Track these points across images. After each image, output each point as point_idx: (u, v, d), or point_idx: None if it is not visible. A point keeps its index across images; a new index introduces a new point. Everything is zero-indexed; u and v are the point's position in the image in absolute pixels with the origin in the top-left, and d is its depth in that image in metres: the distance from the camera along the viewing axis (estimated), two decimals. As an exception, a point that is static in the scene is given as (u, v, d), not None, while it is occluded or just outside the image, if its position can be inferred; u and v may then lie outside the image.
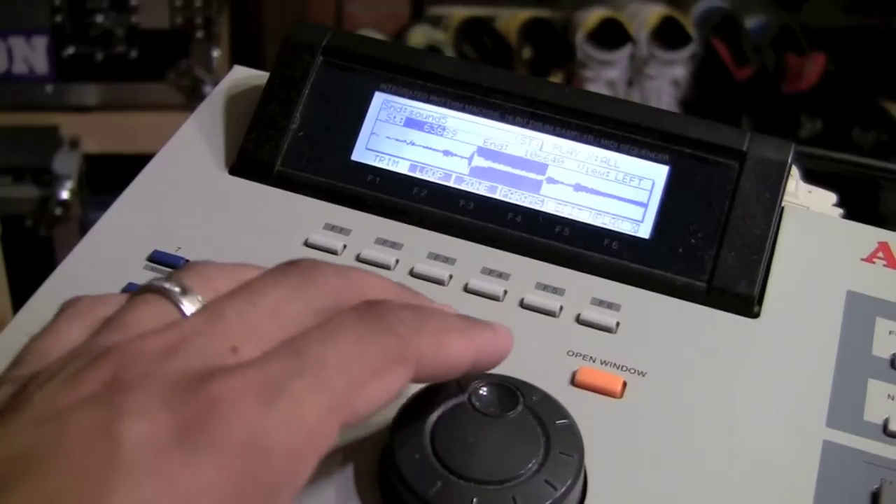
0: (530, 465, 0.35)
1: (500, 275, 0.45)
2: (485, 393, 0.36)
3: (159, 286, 0.32)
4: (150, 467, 0.26)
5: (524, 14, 1.97)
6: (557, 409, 0.37)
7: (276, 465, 0.28)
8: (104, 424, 0.27)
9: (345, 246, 0.46)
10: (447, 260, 0.46)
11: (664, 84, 1.94)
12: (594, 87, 1.86)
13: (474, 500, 0.34)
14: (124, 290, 0.44)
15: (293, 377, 0.29)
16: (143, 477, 0.26)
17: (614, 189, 0.47)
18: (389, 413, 0.36)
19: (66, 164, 1.55)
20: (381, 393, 0.31)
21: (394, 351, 0.31)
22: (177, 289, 0.32)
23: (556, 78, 1.88)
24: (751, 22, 2.00)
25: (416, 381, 0.32)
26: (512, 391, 0.36)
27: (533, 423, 0.36)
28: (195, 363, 0.29)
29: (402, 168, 0.49)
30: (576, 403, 0.38)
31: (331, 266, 0.33)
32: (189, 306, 0.32)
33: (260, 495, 0.28)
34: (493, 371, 0.37)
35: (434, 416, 0.36)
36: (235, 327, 0.30)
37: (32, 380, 0.30)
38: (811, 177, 0.53)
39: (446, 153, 0.49)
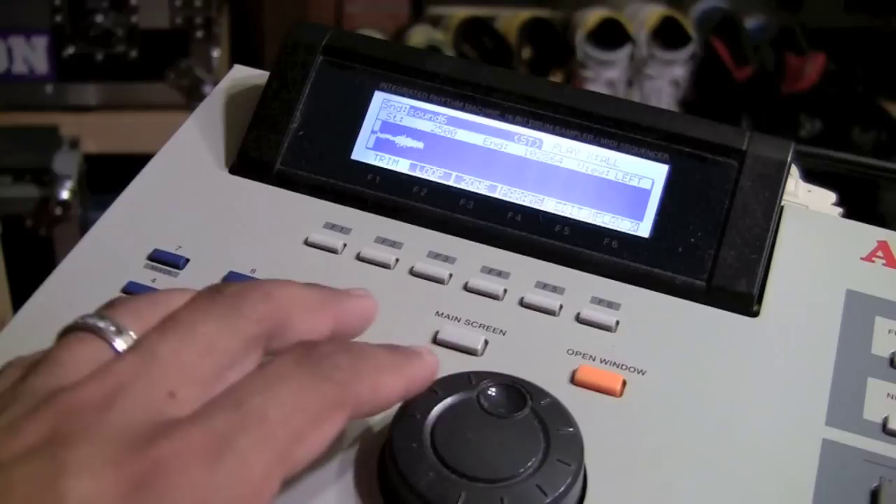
0: (525, 469, 0.35)
1: (500, 274, 0.46)
2: (493, 393, 0.36)
3: (92, 325, 0.32)
4: None
5: (524, 14, 1.97)
6: (564, 417, 0.37)
7: None
8: (50, 479, 0.27)
9: (345, 245, 0.46)
10: (447, 259, 0.46)
11: (664, 84, 1.94)
12: (594, 87, 1.86)
13: (462, 494, 0.34)
14: (124, 290, 0.44)
15: (237, 434, 0.29)
16: None
17: (614, 188, 0.47)
18: (392, 410, 0.36)
19: (66, 164, 1.55)
20: (322, 440, 0.32)
21: (333, 398, 0.32)
22: (110, 327, 0.32)
23: (556, 78, 1.88)
24: (751, 22, 2.00)
25: (352, 419, 0.33)
26: (521, 394, 0.36)
27: (536, 428, 0.36)
28: (136, 415, 0.29)
29: (402, 167, 0.49)
30: (575, 402, 0.38)
31: (254, 288, 0.34)
32: (122, 344, 0.32)
33: None
34: (504, 372, 0.37)
35: (438, 410, 0.36)
36: (171, 370, 0.31)
37: None
38: (811, 176, 0.53)
39: (446, 152, 0.49)
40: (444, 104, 0.49)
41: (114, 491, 0.27)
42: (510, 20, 1.97)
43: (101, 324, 0.32)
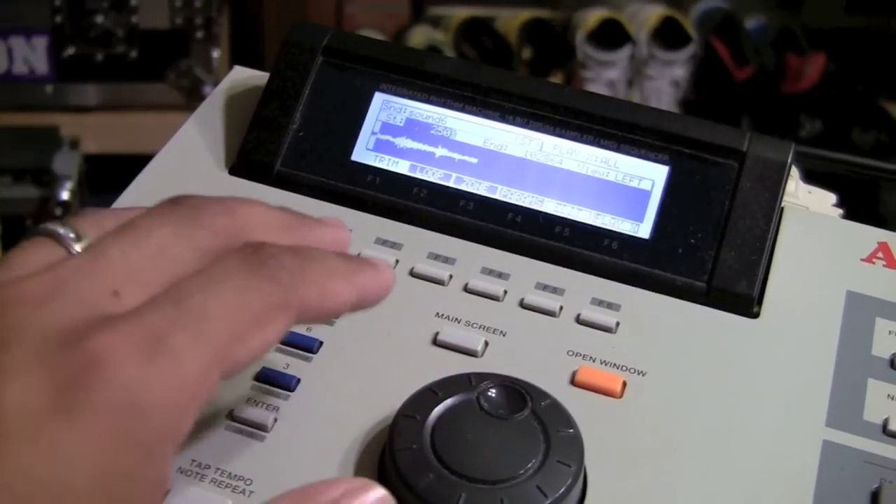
0: (525, 470, 0.35)
1: (500, 275, 0.46)
2: (493, 394, 0.36)
3: (52, 230, 0.32)
4: (29, 433, 0.26)
5: (524, 14, 1.97)
6: (564, 418, 0.37)
7: (155, 424, 0.28)
8: None
9: (345, 246, 0.46)
10: (447, 260, 0.46)
11: (664, 84, 1.94)
12: (594, 88, 1.86)
13: (462, 495, 0.34)
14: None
15: (174, 330, 0.28)
16: (21, 444, 0.26)
17: (614, 189, 0.47)
18: (395, 406, 0.36)
19: (66, 164, 1.55)
20: (263, 342, 0.30)
21: (277, 300, 0.31)
22: (69, 233, 0.32)
23: (557, 78, 1.88)
24: (751, 22, 2.00)
25: (298, 323, 0.32)
26: (521, 395, 0.36)
27: (536, 429, 0.36)
28: (74, 311, 0.28)
29: (402, 168, 0.49)
30: (575, 403, 0.38)
31: (217, 202, 0.33)
32: (77, 248, 0.31)
33: (141, 453, 0.28)
34: (504, 373, 0.37)
35: (439, 411, 0.36)
36: (117, 269, 0.30)
37: None
38: (811, 177, 0.53)
39: (446, 153, 0.49)
40: (445, 105, 0.49)
41: (47, 391, 0.27)
42: (510, 20, 1.97)
43: (62, 230, 0.32)
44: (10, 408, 0.26)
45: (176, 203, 0.33)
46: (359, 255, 0.46)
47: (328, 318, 0.34)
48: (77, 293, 0.29)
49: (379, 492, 0.32)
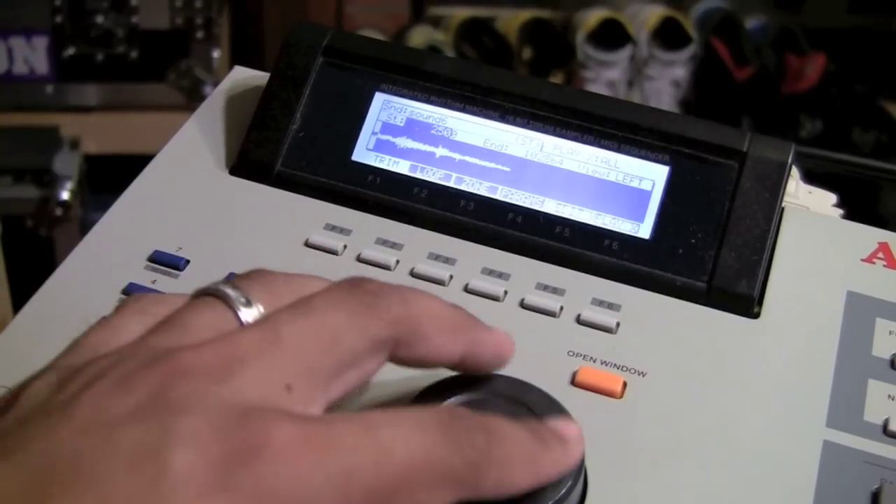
0: None
1: (501, 275, 0.46)
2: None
3: (223, 292, 0.32)
4: (188, 502, 0.26)
5: (524, 14, 1.97)
6: (554, 406, 0.37)
7: None
8: (153, 448, 0.26)
9: (345, 246, 0.46)
10: (447, 260, 0.46)
11: (664, 84, 1.94)
12: (594, 88, 1.86)
13: None
14: (125, 291, 0.44)
15: (361, 460, 0.28)
16: None
17: (615, 189, 0.47)
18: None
19: (67, 164, 1.55)
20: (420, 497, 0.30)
21: (460, 475, 0.30)
22: (240, 297, 0.32)
23: (557, 78, 1.88)
24: (751, 22, 2.00)
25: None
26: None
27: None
28: (250, 395, 0.28)
29: (402, 168, 0.49)
30: (576, 403, 0.38)
31: (395, 291, 0.33)
32: (248, 316, 0.31)
33: None
34: (504, 373, 0.37)
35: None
36: (292, 359, 0.30)
37: (82, 370, 0.29)
38: (811, 177, 0.53)
39: (447, 154, 0.49)
40: (445, 105, 0.49)
41: (214, 465, 0.26)
42: (510, 20, 1.97)
43: (232, 293, 0.32)
44: (178, 473, 0.26)
45: (354, 286, 0.32)
46: (358, 255, 0.46)
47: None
48: (252, 377, 0.29)
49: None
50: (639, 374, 0.42)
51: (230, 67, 0.55)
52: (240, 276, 0.34)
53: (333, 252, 0.46)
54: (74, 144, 1.61)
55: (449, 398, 0.36)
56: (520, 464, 0.32)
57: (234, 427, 0.27)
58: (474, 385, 0.37)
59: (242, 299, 0.32)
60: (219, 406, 0.28)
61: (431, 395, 0.36)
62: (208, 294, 0.32)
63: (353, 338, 0.31)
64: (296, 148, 0.50)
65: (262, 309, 0.32)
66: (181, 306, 0.32)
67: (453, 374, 0.37)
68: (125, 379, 0.28)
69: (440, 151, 0.49)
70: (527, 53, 1.94)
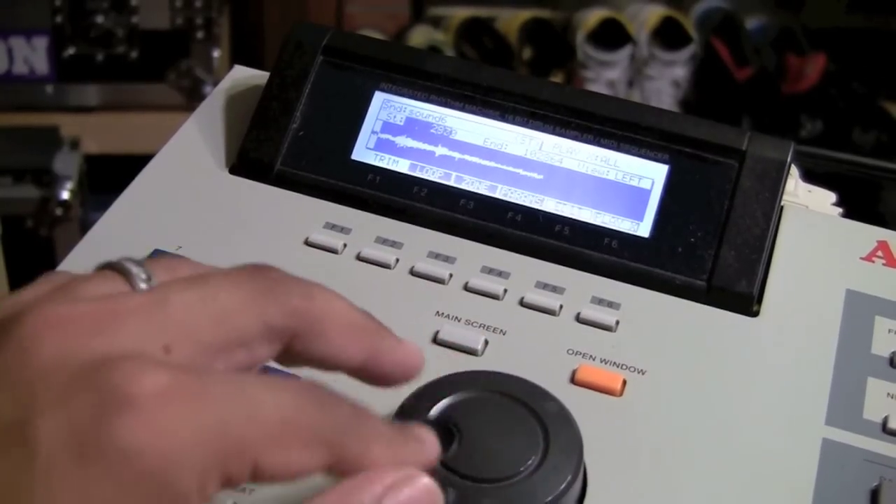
0: (525, 468, 0.35)
1: (500, 273, 0.46)
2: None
3: (124, 266, 0.31)
4: (63, 475, 0.25)
5: (524, 14, 1.97)
6: (564, 416, 0.36)
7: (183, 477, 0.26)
8: (20, 420, 0.26)
9: (345, 245, 0.46)
10: (447, 259, 0.46)
11: (664, 84, 1.94)
12: (594, 88, 1.86)
13: (461, 494, 0.34)
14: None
15: (225, 404, 0.27)
16: (58, 490, 0.25)
17: (614, 188, 0.47)
18: (394, 404, 0.36)
19: (67, 164, 1.55)
20: (285, 467, 0.29)
21: (327, 440, 0.29)
22: (141, 273, 0.30)
23: (557, 78, 1.88)
24: (751, 22, 2.00)
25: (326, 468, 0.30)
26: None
27: (535, 427, 0.36)
28: (122, 347, 0.27)
29: (402, 167, 0.49)
30: (575, 402, 0.38)
31: (300, 283, 0.31)
32: (144, 288, 0.30)
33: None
34: (504, 371, 0.37)
35: (438, 409, 0.36)
36: (175, 322, 0.29)
37: None
38: (811, 176, 0.53)
39: (446, 153, 0.49)
40: (445, 104, 0.49)
41: (81, 426, 0.25)
42: (510, 20, 1.97)
43: (134, 269, 0.31)
44: (44, 447, 0.25)
45: (257, 270, 0.31)
46: (358, 253, 0.46)
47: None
48: (128, 333, 0.28)
49: (423, 481, 0.31)
50: (638, 373, 0.42)
51: (230, 67, 0.55)
52: (147, 258, 0.32)
53: (333, 251, 0.46)
54: (74, 144, 1.61)
55: (440, 399, 0.36)
56: (379, 444, 0.31)
57: (101, 377, 0.26)
58: (466, 383, 0.37)
59: (143, 276, 0.30)
60: (87, 358, 0.26)
61: (422, 395, 0.36)
62: (109, 267, 0.31)
63: (245, 317, 0.30)
64: (296, 147, 0.50)
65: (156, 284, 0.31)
66: (80, 275, 0.31)
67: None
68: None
69: (440, 150, 0.49)
70: (527, 53, 1.94)
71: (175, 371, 0.27)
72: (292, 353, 0.32)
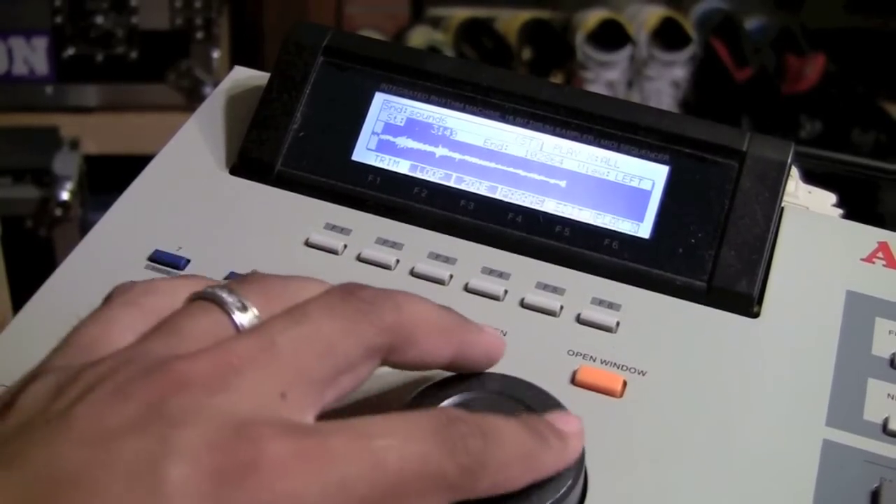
0: None
1: (501, 274, 0.46)
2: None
3: (219, 296, 0.32)
4: None
5: (524, 15, 1.97)
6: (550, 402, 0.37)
7: None
8: (150, 461, 0.27)
9: (345, 246, 0.46)
10: (447, 260, 0.46)
11: (664, 85, 1.94)
12: (594, 88, 1.86)
13: None
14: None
15: (350, 460, 0.29)
16: None
17: (614, 189, 0.47)
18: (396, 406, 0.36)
19: (66, 164, 1.55)
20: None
21: (452, 482, 0.30)
22: (236, 302, 0.32)
23: (557, 79, 1.88)
24: (751, 23, 2.00)
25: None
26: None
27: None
28: (245, 406, 0.29)
29: (402, 168, 0.49)
30: (576, 403, 0.38)
31: (388, 298, 0.33)
32: (243, 320, 0.32)
33: None
34: (504, 373, 0.37)
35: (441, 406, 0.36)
36: (288, 367, 0.30)
37: (80, 376, 0.29)
38: (811, 177, 0.53)
39: (447, 153, 0.49)
40: (445, 105, 0.49)
41: (209, 480, 0.27)
42: (510, 21, 1.97)
43: (228, 297, 0.32)
44: (174, 486, 0.26)
45: (349, 294, 0.33)
46: (358, 254, 0.46)
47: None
48: (249, 387, 0.29)
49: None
50: (639, 374, 0.42)
51: (230, 67, 0.55)
52: (235, 280, 0.34)
53: (333, 252, 0.46)
54: (74, 145, 1.61)
55: (447, 398, 0.36)
56: (517, 463, 0.32)
57: (229, 441, 0.28)
58: (472, 384, 0.37)
59: (238, 304, 0.32)
60: (214, 418, 0.28)
61: (429, 395, 0.36)
62: (203, 298, 0.32)
63: (347, 345, 0.31)
64: (296, 147, 0.50)
65: (257, 313, 0.32)
66: (176, 311, 0.32)
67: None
68: (122, 388, 0.28)
69: (440, 151, 0.49)
70: (527, 54, 1.94)
71: (297, 436, 0.28)
72: (388, 363, 0.33)
